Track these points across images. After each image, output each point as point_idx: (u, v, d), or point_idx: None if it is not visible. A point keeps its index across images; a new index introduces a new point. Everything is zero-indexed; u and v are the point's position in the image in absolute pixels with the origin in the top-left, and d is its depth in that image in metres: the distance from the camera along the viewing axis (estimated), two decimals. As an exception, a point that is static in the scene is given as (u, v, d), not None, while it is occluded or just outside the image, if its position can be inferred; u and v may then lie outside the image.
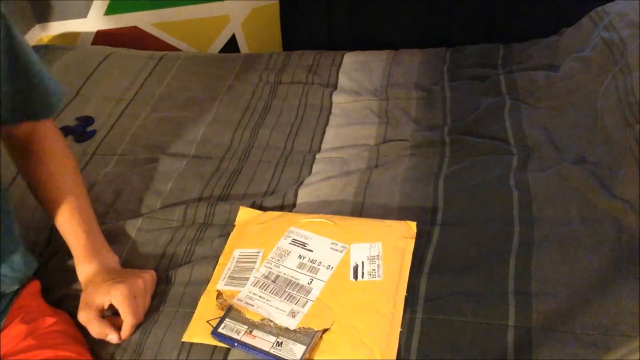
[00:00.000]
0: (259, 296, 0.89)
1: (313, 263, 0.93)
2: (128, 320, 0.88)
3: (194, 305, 0.91)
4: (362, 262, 0.92)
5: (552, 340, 0.79)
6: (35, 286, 0.93)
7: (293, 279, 0.91)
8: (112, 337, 0.87)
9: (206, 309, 0.90)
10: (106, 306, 0.88)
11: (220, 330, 0.85)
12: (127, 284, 0.88)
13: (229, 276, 0.94)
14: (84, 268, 0.92)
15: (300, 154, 1.21)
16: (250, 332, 0.84)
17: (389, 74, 1.41)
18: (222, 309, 0.88)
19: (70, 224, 0.94)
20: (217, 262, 0.97)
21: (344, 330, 0.83)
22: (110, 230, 1.06)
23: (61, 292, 0.96)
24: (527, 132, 1.15)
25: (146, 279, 0.92)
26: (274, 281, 0.91)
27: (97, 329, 0.87)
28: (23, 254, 0.90)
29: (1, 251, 0.85)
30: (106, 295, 0.88)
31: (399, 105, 1.30)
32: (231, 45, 1.90)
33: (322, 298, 0.88)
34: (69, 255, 0.96)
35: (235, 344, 0.83)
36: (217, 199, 1.12)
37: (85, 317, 0.87)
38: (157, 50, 1.68)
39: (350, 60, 1.49)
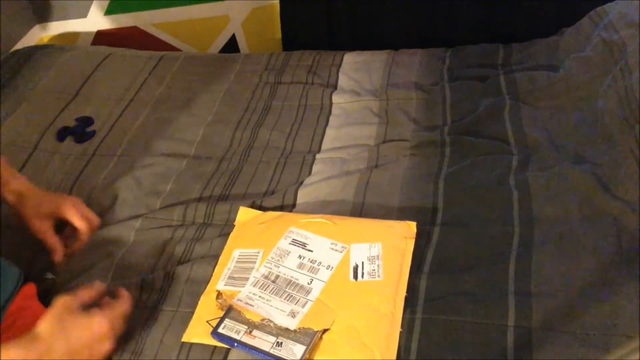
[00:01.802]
0: (259, 296, 0.89)
1: (313, 263, 0.93)
2: (84, 226, 0.98)
3: (193, 305, 0.91)
4: (362, 262, 0.92)
5: (552, 340, 0.79)
6: (29, 289, 0.93)
7: (293, 279, 0.91)
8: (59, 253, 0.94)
9: (206, 309, 0.90)
10: (56, 215, 0.96)
11: (220, 330, 0.85)
12: (73, 197, 1.00)
13: (229, 276, 0.94)
14: (15, 183, 0.97)
15: (300, 154, 1.21)
16: (250, 332, 0.84)
17: (389, 74, 1.41)
18: (222, 309, 0.88)
19: None
20: (216, 262, 0.97)
21: (344, 331, 0.83)
22: (110, 230, 1.06)
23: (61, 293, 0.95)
24: (527, 132, 1.15)
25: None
26: (273, 281, 0.91)
27: (53, 238, 0.94)
28: None
29: None
30: (58, 207, 0.96)
31: (398, 105, 1.30)
32: (231, 45, 1.90)
33: (322, 298, 0.88)
34: (70, 256, 0.97)
35: (235, 344, 0.83)
36: (217, 199, 1.12)
37: (41, 226, 0.94)
38: (157, 50, 1.68)
39: (350, 60, 1.49)
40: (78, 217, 0.97)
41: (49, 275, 0.90)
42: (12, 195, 0.97)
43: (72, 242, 0.99)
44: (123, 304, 0.85)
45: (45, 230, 0.94)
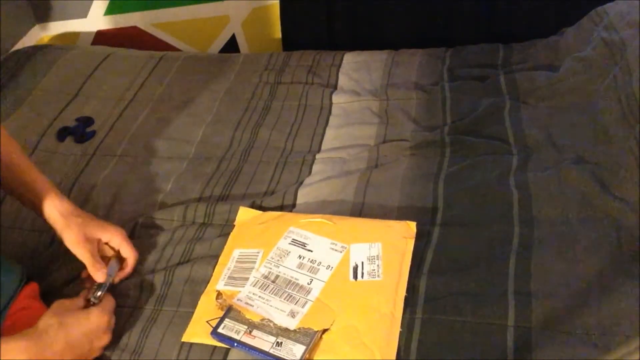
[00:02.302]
0: (259, 296, 0.89)
1: (313, 263, 0.93)
2: (134, 256, 0.96)
3: (193, 305, 0.91)
4: (362, 262, 0.92)
5: (552, 340, 0.79)
6: (32, 289, 0.93)
7: (293, 279, 0.91)
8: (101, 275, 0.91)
9: (206, 309, 0.90)
10: (104, 240, 0.94)
11: (220, 330, 0.85)
12: (120, 227, 0.97)
13: (229, 276, 0.94)
14: (60, 202, 0.94)
15: (300, 154, 1.21)
16: (250, 332, 0.84)
17: (389, 74, 1.41)
18: (221, 309, 0.88)
19: (35, 171, 0.96)
20: (216, 262, 0.97)
21: (344, 331, 0.83)
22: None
23: (62, 293, 0.95)
24: (527, 132, 1.15)
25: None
26: (273, 281, 0.91)
27: (96, 262, 0.91)
28: None
29: None
30: (105, 232, 0.94)
31: (398, 105, 1.30)
32: (231, 45, 1.90)
33: (322, 298, 0.88)
34: (70, 257, 0.96)
35: (235, 344, 0.83)
36: (217, 199, 1.12)
37: (87, 250, 0.91)
38: (157, 50, 1.68)
39: (350, 60, 1.49)
40: (126, 247, 0.96)
41: (94, 299, 0.89)
42: (57, 213, 0.93)
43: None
44: (110, 300, 0.89)
45: (92, 253, 0.91)
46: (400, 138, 1.21)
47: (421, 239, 0.96)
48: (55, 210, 0.93)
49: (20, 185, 0.95)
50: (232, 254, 0.97)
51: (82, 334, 0.80)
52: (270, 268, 0.93)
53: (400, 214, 1.02)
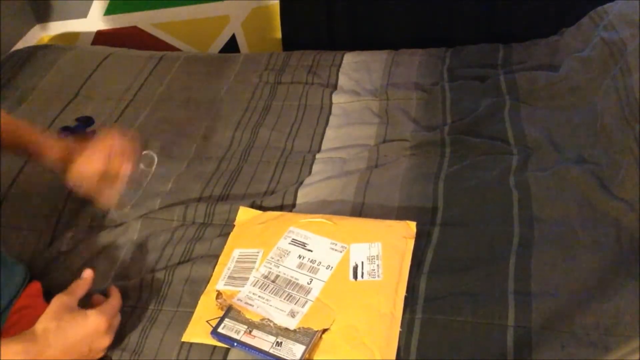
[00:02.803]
0: (259, 296, 0.89)
1: (313, 263, 0.93)
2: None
3: (193, 305, 0.91)
4: (362, 262, 0.92)
5: (552, 340, 0.79)
6: (35, 287, 0.93)
7: (293, 279, 0.91)
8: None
9: (206, 309, 0.90)
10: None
11: (219, 330, 0.85)
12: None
13: (229, 276, 0.94)
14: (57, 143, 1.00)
15: (300, 154, 1.21)
16: (250, 332, 0.84)
17: (389, 74, 1.41)
18: (221, 309, 0.88)
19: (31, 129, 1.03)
20: (216, 262, 0.97)
21: (344, 330, 0.83)
22: (111, 230, 1.06)
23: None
24: (527, 132, 1.15)
25: None
26: (273, 281, 0.91)
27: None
28: None
29: None
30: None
31: (398, 105, 1.30)
32: (231, 45, 1.90)
33: (322, 298, 0.88)
34: (71, 256, 0.96)
35: (235, 344, 0.83)
36: (217, 199, 1.12)
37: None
38: (157, 50, 1.68)
39: (350, 60, 1.49)
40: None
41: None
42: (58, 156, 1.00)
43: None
44: (115, 299, 0.87)
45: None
46: (400, 138, 1.21)
47: (421, 239, 0.96)
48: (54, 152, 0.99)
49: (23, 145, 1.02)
50: (232, 253, 0.97)
51: (80, 337, 0.80)
52: (270, 268, 0.93)
53: (400, 214, 1.02)
